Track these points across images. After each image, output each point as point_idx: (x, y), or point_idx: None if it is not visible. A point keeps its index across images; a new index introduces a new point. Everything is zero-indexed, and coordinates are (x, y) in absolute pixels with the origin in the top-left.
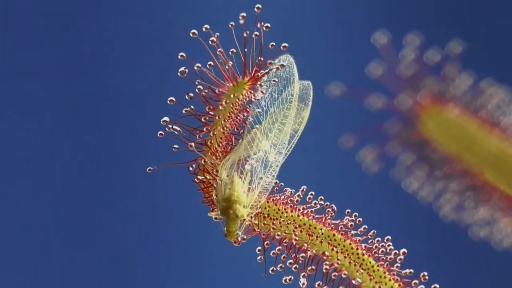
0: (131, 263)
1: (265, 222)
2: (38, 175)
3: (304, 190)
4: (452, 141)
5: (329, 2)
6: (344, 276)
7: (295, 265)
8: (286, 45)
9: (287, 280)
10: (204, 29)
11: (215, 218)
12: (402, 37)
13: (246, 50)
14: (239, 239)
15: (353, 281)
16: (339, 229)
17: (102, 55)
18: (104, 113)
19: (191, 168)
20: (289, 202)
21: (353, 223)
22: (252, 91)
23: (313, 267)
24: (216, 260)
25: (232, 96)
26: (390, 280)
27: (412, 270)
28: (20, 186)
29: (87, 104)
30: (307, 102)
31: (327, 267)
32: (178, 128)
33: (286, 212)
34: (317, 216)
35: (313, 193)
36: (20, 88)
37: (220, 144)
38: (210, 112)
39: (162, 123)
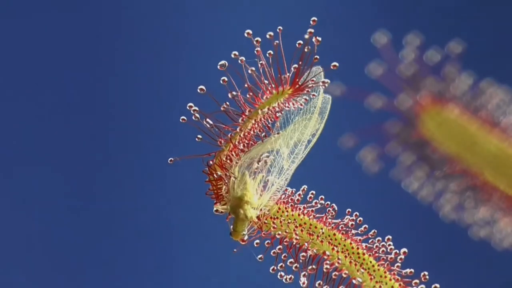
0: (133, 259)
1: (266, 221)
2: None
3: (305, 189)
4: (452, 141)
5: (329, 2)
6: (344, 275)
7: (296, 264)
8: (337, 64)
9: (288, 279)
10: (268, 36)
11: (216, 211)
12: (402, 37)
13: (300, 62)
14: (245, 238)
15: (354, 281)
16: (340, 228)
17: (130, 48)
18: (129, 106)
19: (211, 162)
20: (289, 201)
21: (353, 223)
22: (292, 101)
23: (313, 266)
24: (217, 258)
25: (276, 103)
26: (390, 279)
27: (412, 270)
28: (27, 173)
29: (97, 99)
30: (324, 116)
31: (328, 266)
32: (211, 122)
33: (287, 211)
34: (317, 215)
35: (314, 192)
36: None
37: (244, 144)
38: (246, 113)
39: (189, 108)
